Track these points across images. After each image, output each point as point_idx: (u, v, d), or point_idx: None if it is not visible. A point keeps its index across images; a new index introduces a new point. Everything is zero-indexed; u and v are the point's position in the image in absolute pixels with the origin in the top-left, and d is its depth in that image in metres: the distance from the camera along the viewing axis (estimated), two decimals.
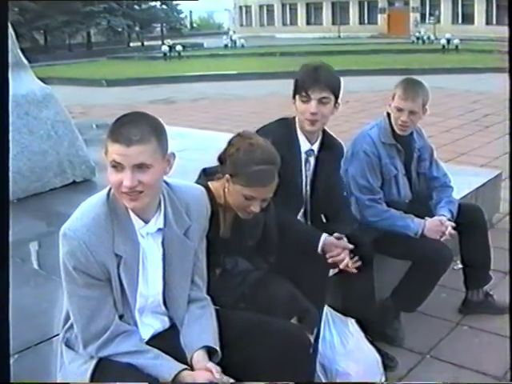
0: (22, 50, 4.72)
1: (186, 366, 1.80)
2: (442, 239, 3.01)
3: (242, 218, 2.21)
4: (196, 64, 23.79)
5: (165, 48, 28.23)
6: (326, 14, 50.16)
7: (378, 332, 2.89)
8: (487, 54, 22.44)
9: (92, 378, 1.77)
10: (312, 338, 2.26)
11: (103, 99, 14.49)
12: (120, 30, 40.78)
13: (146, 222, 1.84)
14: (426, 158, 3.29)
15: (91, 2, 37.60)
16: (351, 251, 2.56)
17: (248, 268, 2.33)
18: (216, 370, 1.78)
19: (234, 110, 12.26)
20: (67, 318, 1.87)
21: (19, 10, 32.49)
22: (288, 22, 53.62)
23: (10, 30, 3.67)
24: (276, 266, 2.39)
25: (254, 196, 2.11)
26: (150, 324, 1.93)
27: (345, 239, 2.58)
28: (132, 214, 1.81)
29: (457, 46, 26.20)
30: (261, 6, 55.35)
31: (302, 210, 2.77)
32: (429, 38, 32.33)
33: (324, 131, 2.73)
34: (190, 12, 63.77)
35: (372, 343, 2.71)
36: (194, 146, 5.48)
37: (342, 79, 2.66)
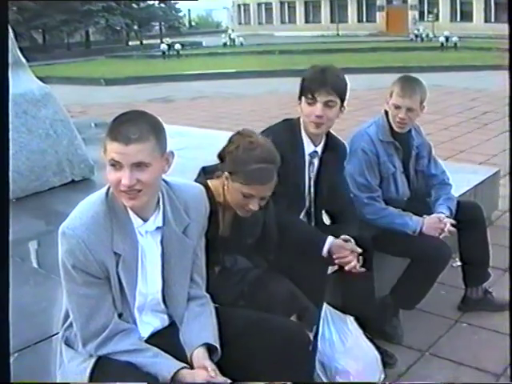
0: (21, 49, 4.72)
1: (185, 365, 1.80)
2: (441, 236, 3.01)
3: (241, 216, 2.22)
4: (195, 62, 23.73)
5: (163, 46, 28.11)
6: (325, 12, 50.06)
7: (377, 329, 2.89)
8: (486, 52, 22.37)
9: (91, 377, 1.77)
10: (311, 336, 2.27)
11: (102, 98, 14.46)
12: (118, 28, 40.67)
13: (145, 220, 1.84)
14: (425, 155, 3.29)
15: (89, 1, 37.54)
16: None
17: (247, 266, 2.34)
18: (211, 368, 1.78)
19: (233, 108, 12.23)
20: (66, 317, 1.88)
21: (17, 9, 32.41)
22: (286, 20, 53.50)
23: (9, 29, 3.66)
24: (275, 264, 2.39)
25: (253, 194, 2.11)
26: (150, 322, 1.94)
27: (352, 241, 2.58)
28: (131, 213, 1.81)
29: (455, 44, 26.13)
30: (259, 4, 55.26)
31: (304, 211, 2.76)
32: (427, 35, 32.24)
33: (328, 132, 2.71)
34: (189, 10, 63.65)
35: (371, 341, 2.72)
36: (193, 145, 5.48)
37: None
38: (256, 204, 2.14)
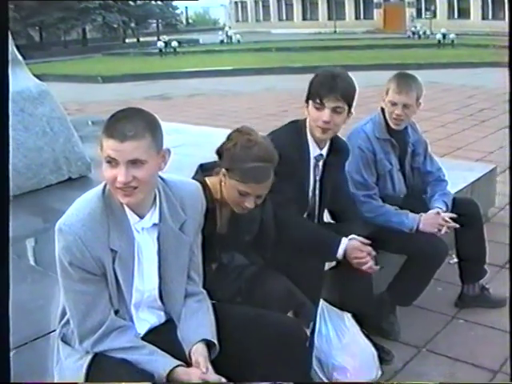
0: (18, 47, 4.70)
1: (180, 362, 1.80)
2: (442, 232, 2.99)
3: (238, 214, 2.22)
4: (192, 60, 23.67)
5: (160, 44, 28.03)
6: (322, 9, 50.00)
7: (374, 326, 2.90)
8: (483, 49, 22.39)
9: (87, 374, 1.77)
10: (308, 332, 2.27)
11: (99, 95, 14.43)
12: (115, 26, 40.54)
13: (142, 217, 1.84)
14: (421, 152, 3.30)
15: None
16: None
17: (244, 263, 2.34)
18: (203, 364, 1.78)
19: (230, 105, 12.22)
20: (63, 314, 1.88)
21: (14, 7, 32.35)
22: (284, 17, 53.43)
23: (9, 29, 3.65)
24: (272, 261, 2.39)
25: (249, 192, 2.11)
26: (146, 319, 1.94)
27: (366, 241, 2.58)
28: (127, 210, 1.81)
29: (453, 41, 26.14)
30: (256, 2, 55.18)
31: (307, 212, 2.76)
32: (425, 32, 32.24)
33: None
34: (186, 8, 63.45)
35: (368, 337, 2.72)
36: (190, 142, 5.48)
37: None
38: (252, 202, 2.14)
